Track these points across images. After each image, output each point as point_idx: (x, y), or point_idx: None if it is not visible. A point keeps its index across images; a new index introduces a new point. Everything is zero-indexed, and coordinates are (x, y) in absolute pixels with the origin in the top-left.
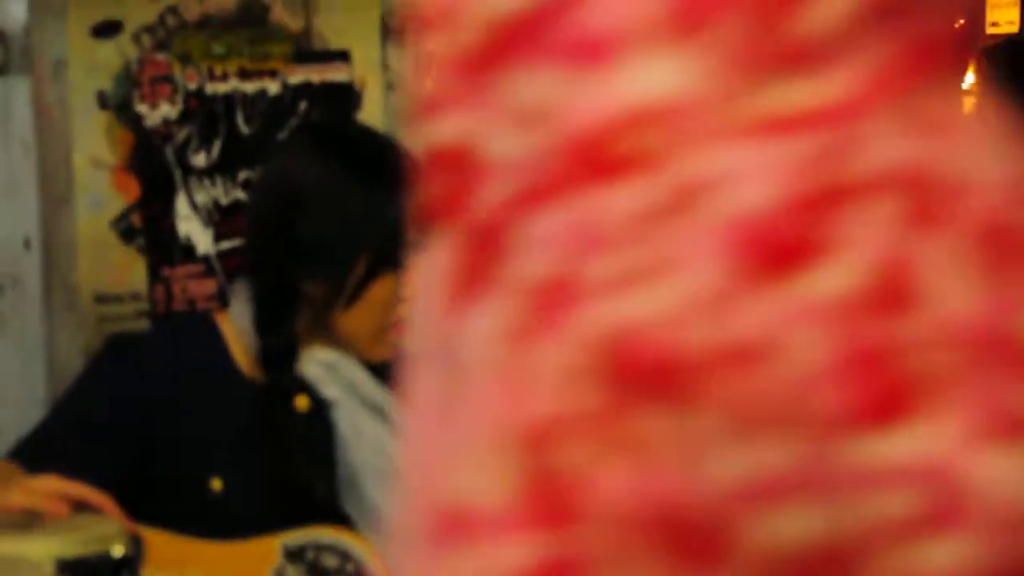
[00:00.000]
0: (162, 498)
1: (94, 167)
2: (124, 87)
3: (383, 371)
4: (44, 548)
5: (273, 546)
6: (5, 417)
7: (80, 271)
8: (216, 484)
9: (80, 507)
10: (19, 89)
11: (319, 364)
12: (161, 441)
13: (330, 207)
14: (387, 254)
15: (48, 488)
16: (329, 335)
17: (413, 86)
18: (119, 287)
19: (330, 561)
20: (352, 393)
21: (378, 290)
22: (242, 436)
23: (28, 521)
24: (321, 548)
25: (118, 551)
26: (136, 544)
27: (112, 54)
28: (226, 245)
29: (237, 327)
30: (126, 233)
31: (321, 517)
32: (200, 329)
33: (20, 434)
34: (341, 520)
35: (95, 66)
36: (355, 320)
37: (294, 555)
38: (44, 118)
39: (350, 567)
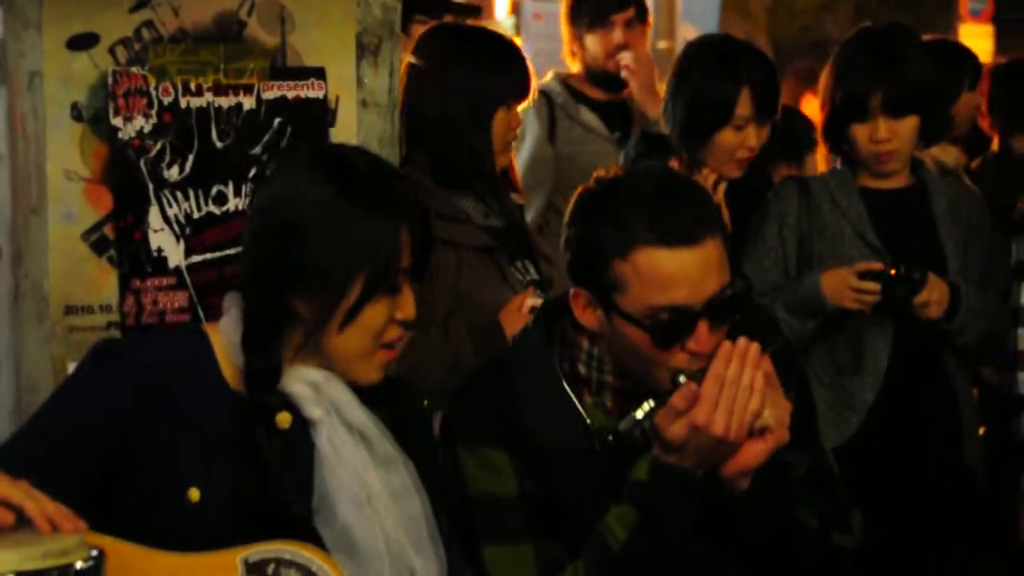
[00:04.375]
0: (139, 506)
1: (67, 179)
2: (99, 100)
3: (369, 394)
4: (4, 561)
5: (233, 560)
6: None
7: (51, 282)
8: (194, 494)
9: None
10: None
11: (305, 383)
12: (143, 449)
13: (326, 230)
14: (382, 278)
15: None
16: (319, 355)
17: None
18: (90, 298)
19: None
20: (335, 414)
21: (371, 313)
22: (224, 448)
23: None
24: (283, 563)
25: (78, 564)
26: (97, 557)
27: (87, 66)
28: (197, 259)
29: (227, 341)
30: (98, 245)
31: (293, 534)
32: (188, 340)
33: None
34: (312, 538)
35: (70, 78)
36: (347, 342)
37: (254, 569)
38: (18, 129)
39: None
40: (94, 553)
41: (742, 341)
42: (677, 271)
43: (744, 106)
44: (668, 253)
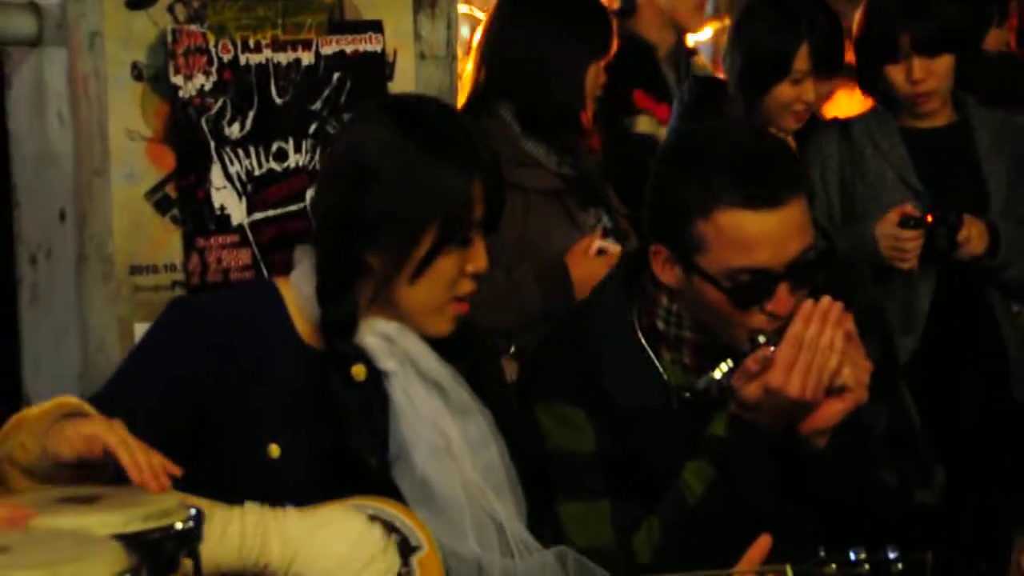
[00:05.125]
0: (220, 464)
1: (129, 139)
2: (159, 59)
3: (443, 346)
4: (106, 523)
5: None
6: (40, 389)
7: (115, 242)
8: (274, 450)
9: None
10: (55, 61)
11: (378, 335)
12: (222, 405)
13: (399, 181)
14: (453, 230)
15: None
16: (390, 307)
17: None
18: (154, 258)
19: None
20: (409, 366)
21: (442, 265)
22: (300, 403)
23: (90, 495)
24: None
25: (179, 525)
26: (196, 517)
27: (147, 25)
28: (259, 216)
29: (299, 294)
30: (161, 204)
31: (371, 487)
32: (263, 295)
33: None
34: (390, 491)
35: (130, 38)
36: (418, 294)
37: None
38: (80, 90)
39: (395, 538)
40: (193, 513)
41: (825, 300)
42: (760, 233)
43: (803, 60)
44: (751, 215)
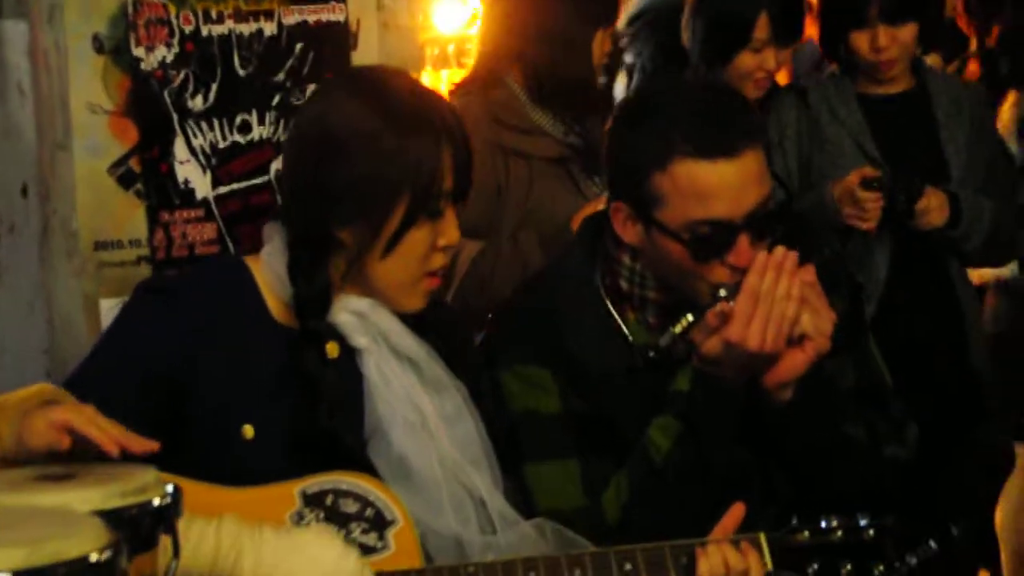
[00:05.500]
0: (194, 446)
1: (91, 112)
2: (120, 30)
3: (415, 322)
4: (85, 499)
5: (291, 492)
6: (5, 365)
7: (79, 217)
8: (248, 431)
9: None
10: (15, 34)
11: (350, 312)
12: (195, 389)
13: (367, 154)
14: (424, 201)
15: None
16: (363, 283)
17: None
18: (119, 233)
19: (349, 506)
20: (382, 342)
21: (414, 239)
22: (274, 383)
23: (67, 473)
24: (340, 494)
25: (156, 501)
26: (174, 494)
27: None
28: (224, 189)
29: (269, 272)
30: (124, 178)
31: (347, 465)
32: (233, 274)
33: (20, 384)
34: (366, 470)
35: (91, 9)
36: (390, 269)
37: (312, 500)
38: (40, 63)
39: (369, 512)
40: (170, 489)
41: (779, 250)
42: (716, 184)
43: (762, 29)
44: (707, 165)
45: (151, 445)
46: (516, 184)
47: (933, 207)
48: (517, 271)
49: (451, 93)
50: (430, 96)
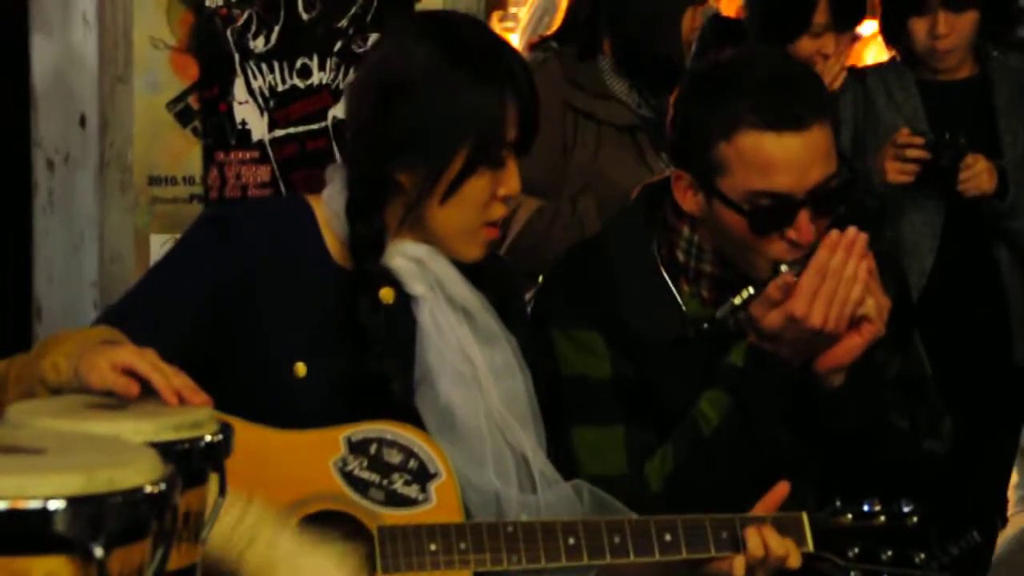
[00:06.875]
0: (246, 381)
1: (153, 46)
2: None
3: (471, 273)
4: (139, 431)
5: (336, 438)
6: (52, 297)
7: (135, 152)
8: (300, 369)
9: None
10: None
11: (408, 258)
12: (249, 318)
13: (432, 98)
14: (486, 150)
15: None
16: (421, 229)
17: None
18: (173, 169)
19: (393, 457)
20: (438, 290)
21: (473, 187)
22: (330, 323)
23: (119, 403)
24: (385, 443)
25: (208, 437)
26: (226, 431)
27: None
28: (280, 132)
29: (330, 212)
30: (182, 115)
31: (393, 413)
32: (294, 211)
33: (68, 313)
34: (412, 418)
35: None
36: (449, 216)
37: (357, 448)
38: None
39: (413, 464)
40: (222, 426)
41: (851, 230)
42: (781, 156)
43: (822, 14)
44: (773, 137)
45: (208, 399)
46: (583, 147)
47: (980, 169)
48: (573, 233)
49: (532, 46)
50: (499, 45)
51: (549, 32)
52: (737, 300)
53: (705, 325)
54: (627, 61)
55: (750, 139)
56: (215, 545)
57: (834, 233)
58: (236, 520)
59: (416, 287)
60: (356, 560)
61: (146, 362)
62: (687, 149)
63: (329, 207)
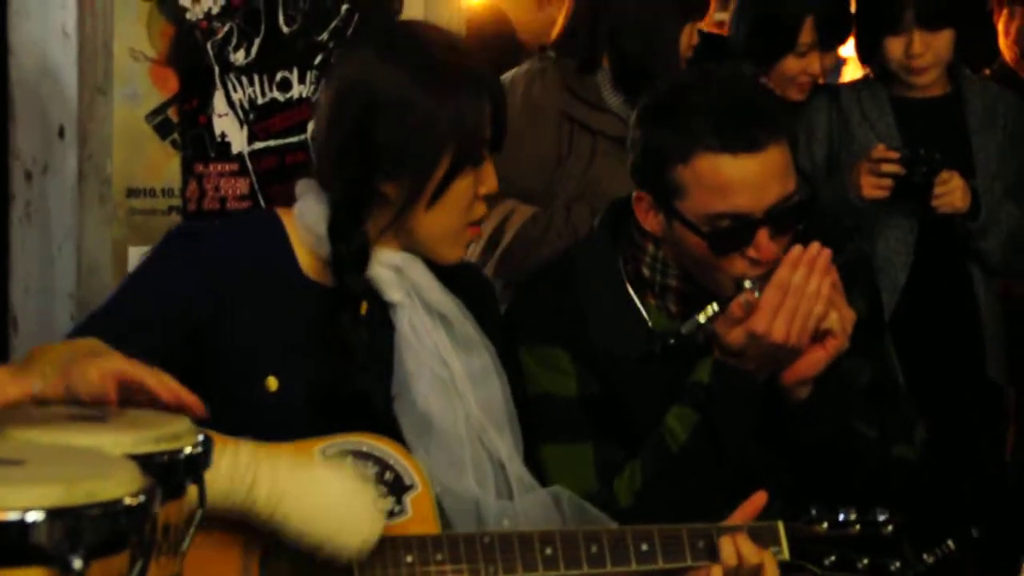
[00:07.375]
0: (217, 396)
1: (133, 58)
2: None
3: (445, 279)
4: (118, 443)
5: (311, 451)
6: (29, 307)
7: (113, 163)
8: (272, 383)
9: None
10: None
11: (386, 266)
12: (220, 332)
13: (413, 109)
14: (469, 151)
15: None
16: (403, 236)
17: None
18: (152, 181)
19: (368, 469)
20: (416, 297)
21: (458, 188)
22: (301, 337)
23: (100, 414)
24: (360, 456)
25: (187, 449)
26: (206, 444)
27: None
28: (260, 145)
29: (301, 225)
30: (161, 127)
31: (370, 423)
32: (265, 226)
33: (44, 325)
34: (390, 426)
35: None
36: (435, 219)
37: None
38: (86, 5)
39: (388, 476)
40: (202, 439)
41: (813, 246)
42: (737, 177)
43: (808, 34)
44: (729, 159)
45: (201, 406)
46: (578, 156)
47: (955, 186)
48: (566, 241)
49: (532, 55)
50: (465, 47)
51: (549, 41)
52: (702, 317)
53: (671, 340)
54: (625, 76)
55: (707, 162)
56: (220, 491)
57: (796, 249)
58: (231, 462)
59: (394, 295)
60: (362, 471)
61: (138, 368)
62: (646, 171)
63: (301, 221)
